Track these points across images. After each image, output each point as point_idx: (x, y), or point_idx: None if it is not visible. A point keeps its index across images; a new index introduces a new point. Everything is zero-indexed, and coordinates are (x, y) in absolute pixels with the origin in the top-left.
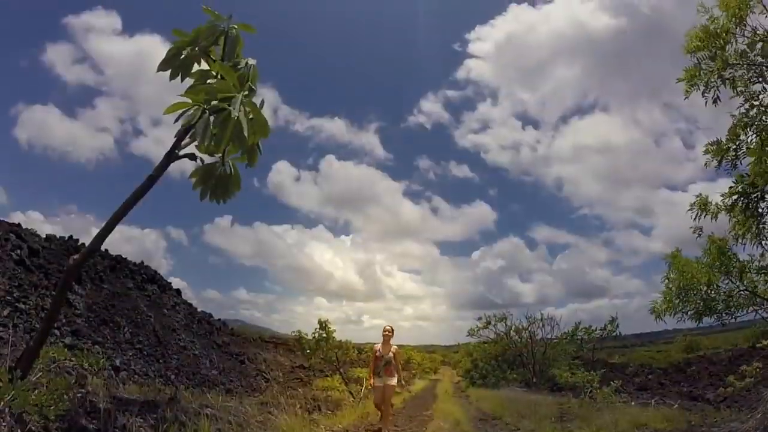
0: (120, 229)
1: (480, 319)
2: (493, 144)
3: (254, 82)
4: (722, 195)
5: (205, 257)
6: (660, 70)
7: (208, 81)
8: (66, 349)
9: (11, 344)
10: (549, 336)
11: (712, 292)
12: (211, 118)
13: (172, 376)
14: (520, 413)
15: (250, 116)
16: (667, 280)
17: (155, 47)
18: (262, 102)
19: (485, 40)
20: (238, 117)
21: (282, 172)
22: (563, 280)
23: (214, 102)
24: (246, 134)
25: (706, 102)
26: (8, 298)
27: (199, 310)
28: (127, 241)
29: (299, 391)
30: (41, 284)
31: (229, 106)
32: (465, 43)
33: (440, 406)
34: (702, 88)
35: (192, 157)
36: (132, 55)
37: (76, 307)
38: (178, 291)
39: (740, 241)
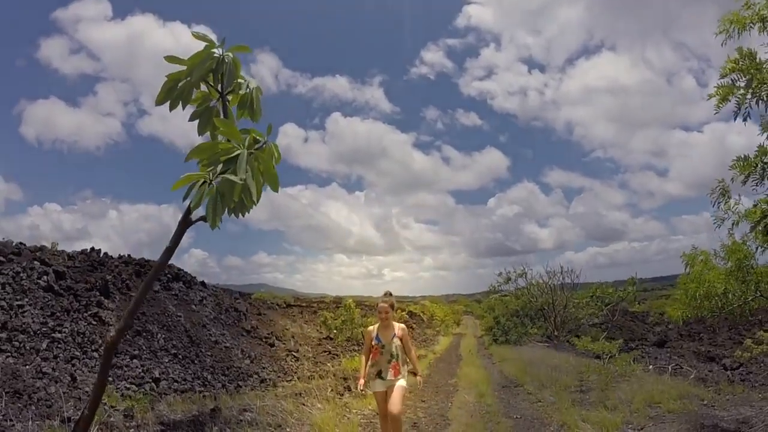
0: (137, 208)
1: (500, 274)
2: (500, 90)
3: (258, 104)
4: (746, 214)
5: (223, 226)
6: (669, 5)
7: (211, 104)
8: (117, 393)
9: (56, 380)
10: (569, 283)
11: (729, 296)
12: (218, 188)
13: (209, 376)
14: (542, 381)
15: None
16: (684, 283)
17: (148, 27)
18: (258, 88)
19: None
20: (245, 180)
21: (289, 135)
22: (581, 224)
23: (220, 165)
24: (254, 193)
25: (735, 117)
26: (44, 329)
27: (225, 303)
28: (146, 219)
29: (329, 366)
30: (72, 308)
31: (236, 165)
32: None
33: (464, 371)
34: (735, 107)
35: (205, 220)
36: (126, 38)
37: (110, 323)
38: (203, 283)
39: (762, 253)
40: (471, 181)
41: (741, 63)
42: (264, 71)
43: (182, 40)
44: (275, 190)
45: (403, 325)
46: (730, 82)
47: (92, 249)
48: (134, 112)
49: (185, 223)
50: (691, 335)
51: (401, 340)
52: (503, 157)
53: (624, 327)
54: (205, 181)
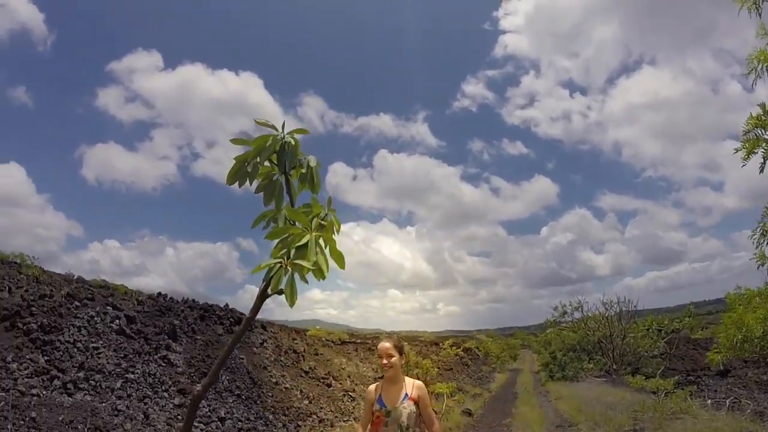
0: (192, 246)
1: (555, 308)
2: (543, 116)
3: (317, 178)
4: None
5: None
6: (704, 13)
7: (274, 178)
8: None
9: (130, 417)
10: (627, 312)
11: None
12: (296, 275)
13: (270, 416)
14: (596, 419)
15: (326, 249)
16: (726, 326)
17: (197, 75)
18: (317, 164)
19: (515, 14)
20: (316, 260)
21: (338, 173)
22: (637, 248)
23: (293, 250)
24: (324, 271)
25: (761, 170)
26: (118, 370)
27: (284, 345)
28: (201, 257)
29: None
30: (143, 350)
31: (306, 249)
32: (495, 21)
33: (519, 410)
34: (761, 160)
35: (281, 292)
36: (177, 86)
37: (178, 365)
38: (263, 326)
39: None
40: (521, 210)
41: (764, 118)
42: (311, 113)
43: (230, 86)
44: (341, 267)
45: (420, 383)
46: (755, 136)
47: (159, 294)
48: (188, 155)
49: (263, 297)
50: (756, 361)
51: (417, 404)
52: (552, 185)
53: (686, 356)
54: (281, 266)
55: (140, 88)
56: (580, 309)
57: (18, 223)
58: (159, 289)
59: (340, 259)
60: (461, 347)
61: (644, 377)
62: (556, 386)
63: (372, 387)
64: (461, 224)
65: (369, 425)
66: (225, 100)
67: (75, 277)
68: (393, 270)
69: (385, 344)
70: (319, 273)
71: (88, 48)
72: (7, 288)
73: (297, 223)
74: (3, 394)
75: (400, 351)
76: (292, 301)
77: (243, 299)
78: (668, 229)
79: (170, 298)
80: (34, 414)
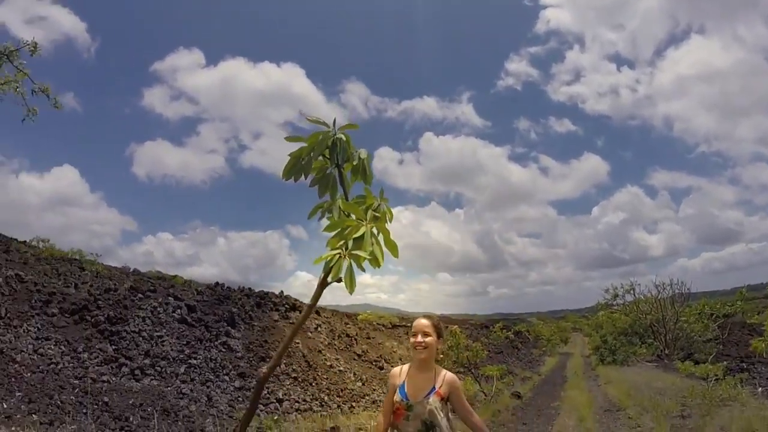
0: (243, 235)
1: (607, 290)
2: (590, 92)
3: (369, 169)
4: None
5: (323, 247)
6: None
7: (327, 171)
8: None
9: (194, 400)
10: (680, 295)
11: None
12: (353, 264)
13: (325, 397)
14: (644, 404)
15: (381, 239)
16: None
17: (239, 69)
18: (367, 156)
19: None
20: (372, 250)
21: (385, 158)
22: (692, 227)
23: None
24: (379, 259)
25: None
26: (181, 356)
27: (337, 329)
28: (252, 245)
29: None
30: (204, 337)
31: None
32: None
33: (568, 393)
34: None
35: (339, 280)
36: (220, 81)
37: (237, 350)
38: (318, 311)
39: None
40: (571, 190)
41: None
42: (354, 100)
43: (272, 78)
44: (395, 256)
45: (452, 377)
46: None
47: (217, 284)
48: (235, 148)
49: (323, 285)
50: None
51: (444, 401)
52: (602, 162)
53: (740, 342)
54: (340, 256)
55: (184, 86)
56: (632, 291)
57: (74, 221)
58: (212, 278)
59: (394, 248)
60: (511, 330)
61: (694, 363)
62: (606, 370)
63: (396, 370)
64: (510, 205)
65: (390, 416)
66: (268, 92)
67: (131, 270)
68: (442, 253)
69: (423, 321)
70: (375, 262)
71: (130, 51)
72: (73, 284)
73: (352, 215)
74: (77, 381)
75: (439, 333)
76: (351, 289)
77: (294, 285)
78: (724, 208)
79: (227, 287)
80: (106, 399)
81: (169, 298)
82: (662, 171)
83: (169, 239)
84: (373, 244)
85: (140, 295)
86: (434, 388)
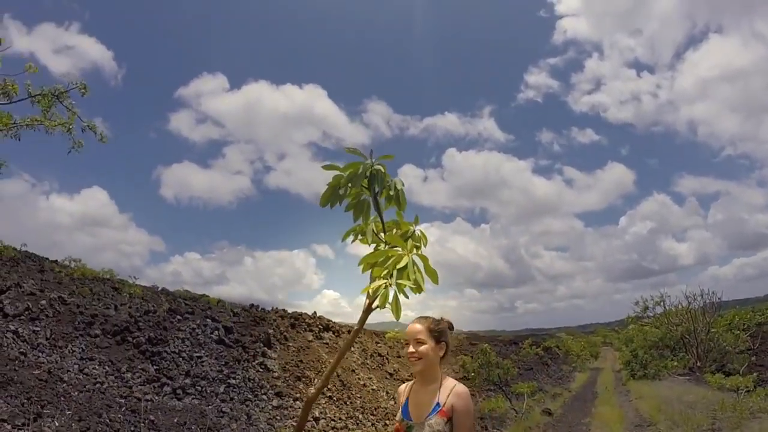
0: (270, 255)
1: (636, 303)
2: (611, 100)
3: (403, 197)
4: None
5: (352, 267)
6: None
7: (362, 198)
8: (286, 430)
9: (235, 418)
10: (711, 305)
11: None
12: (400, 293)
13: (360, 416)
14: (674, 419)
15: (422, 266)
16: None
17: (263, 92)
18: (403, 186)
19: None
20: (415, 278)
21: (408, 175)
22: (722, 233)
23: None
24: (421, 285)
25: None
26: (220, 376)
27: (369, 348)
28: (279, 264)
29: None
30: (242, 357)
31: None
32: (550, 6)
33: (599, 410)
34: None
35: (383, 306)
36: (244, 104)
37: (274, 370)
38: (349, 331)
39: None
40: (597, 201)
41: None
42: (376, 119)
43: (295, 99)
44: (435, 283)
45: (461, 389)
46: None
47: (252, 305)
48: (260, 169)
49: (369, 310)
50: None
51: (449, 418)
52: (627, 171)
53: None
54: (386, 286)
55: (209, 110)
56: (661, 303)
57: (104, 241)
58: (239, 297)
59: (434, 275)
60: (540, 346)
61: (724, 375)
62: (637, 385)
63: (402, 387)
64: (536, 219)
65: None
66: (291, 113)
67: (159, 289)
68: (469, 269)
69: (416, 327)
70: (417, 289)
71: (155, 78)
72: (112, 306)
73: (391, 245)
74: (122, 400)
75: (437, 338)
76: (398, 315)
77: (321, 303)
78: (754, 211)
79: (261, 308)
80: (152, 417)
81: (207, 319)
82: (689, 177)
83: (197, 259)
84: (415, 272)
85: (178, 317)
86: (438, 405)
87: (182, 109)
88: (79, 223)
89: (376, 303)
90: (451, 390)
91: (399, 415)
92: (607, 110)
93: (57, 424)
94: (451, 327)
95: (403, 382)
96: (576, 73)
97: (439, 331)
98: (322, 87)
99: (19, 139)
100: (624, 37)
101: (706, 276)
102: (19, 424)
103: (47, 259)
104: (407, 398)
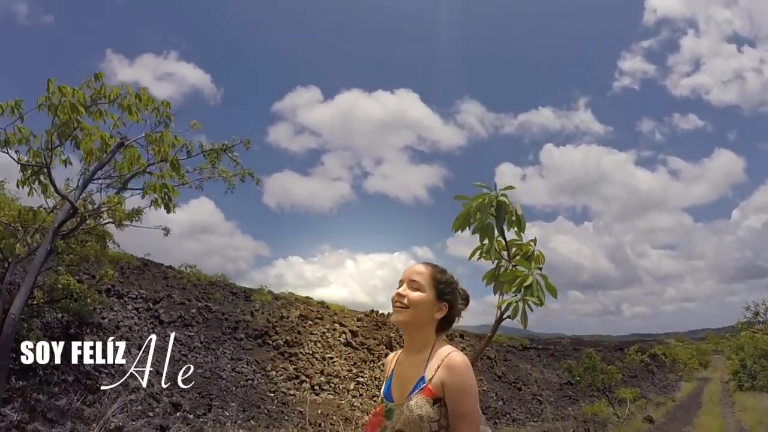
0: (371, 257)
1: (747, 308)
2: (713, 81)
3: (523, 221)
4: None
5: (453, 269)
6: None
7: (486, 222)
8: None
9: (366, 411)
10: None
11: None
12: (527, 307)
13: None
14: None
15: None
16: None
17: (356, 100)
18: (522, 212)
19: None
20: (539, 294)
21: (506, 174)
22: None
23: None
24: (543, 300)
25: None
26: (350, 374)
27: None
28: (380, 267)
29: (569, 410)
30: (368, 359)
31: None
32: None
33: (701, 420)
34: None
35: (512, 317)
36: (339, 113)
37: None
38: (462, 335)
39: None
40: (706, 193)
41: None
42: (470, 119)
43: (388, 105)
44: (554, 297)
45: (456, 360)
46: None
47: (372, 311)
48: (359, 174)
49: (500, 321)
50: None
51: (436, 398)
52: (736, 158)
53: None
54: (517, 302)
55: (305, 121)
56: None
57: (212, 247)
58: (341, 299)
59: (553, 290)
60: (647, 353)
61: None
62: (744, 397)
63: (391, 356)
64: (641, 214)
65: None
66: (386, 119)
67: (266, 290)
68: (572, 270)
69: (417, 267)
70: (540, 303)
71: (252, 95)
72: (249, 312)
73: (515, 264)
74: (272, 394)
75: (440, 292)
76: (525, 325)
77: None
78: None
79: (381, 313)
80: (300, 408)
81: (335, 324)
82: None
83: (300, 262)
84: (538, 290)
85: (309, 322)
86: (422, 380)
87: (279, 122)
88: (187, 231)
89: (507, 313)
90: (442, 360)
91: (380, 394)
92: (709, 92)
93: (227, 413)
94: (464, 297)
95: (511, 384)
96: (672, 54)
97: (445, 283)
98: (413, 90)
99: (202, 189)
100: (719, 9)
101: None
102: (200, 414)
103: (163, 264)
104: (392, 371)
